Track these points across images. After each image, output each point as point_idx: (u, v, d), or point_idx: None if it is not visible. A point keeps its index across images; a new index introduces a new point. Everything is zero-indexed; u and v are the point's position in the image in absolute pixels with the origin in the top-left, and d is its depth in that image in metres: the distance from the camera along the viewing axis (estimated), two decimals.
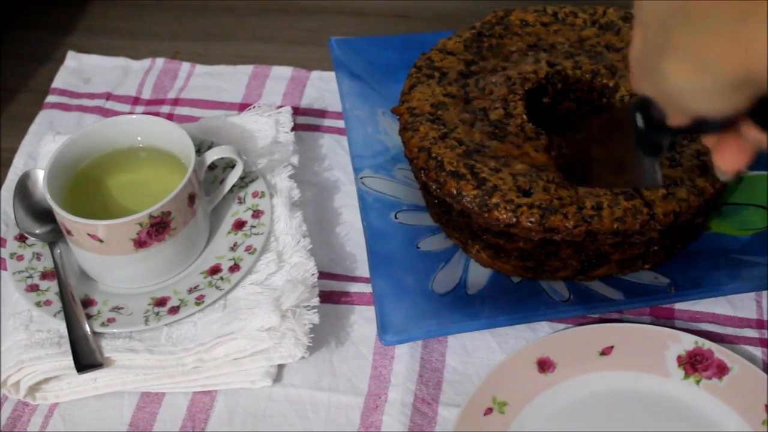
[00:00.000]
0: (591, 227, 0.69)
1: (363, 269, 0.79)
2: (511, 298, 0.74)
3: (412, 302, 0.73)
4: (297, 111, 0.91)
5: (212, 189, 0.78)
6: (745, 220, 0.78)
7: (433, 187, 0.74)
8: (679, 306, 0.75)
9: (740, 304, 0.75)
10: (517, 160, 0.74)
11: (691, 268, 0.75)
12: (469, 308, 0.73)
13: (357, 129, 0.85)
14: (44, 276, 0.74)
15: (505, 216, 0.70)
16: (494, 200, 0.70)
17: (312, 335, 0.71)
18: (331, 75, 0.93)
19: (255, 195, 0.79)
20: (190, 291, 0.73)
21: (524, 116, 0.76)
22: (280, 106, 0.87)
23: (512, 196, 0.70)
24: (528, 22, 0.85)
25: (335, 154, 0.87)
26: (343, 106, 0.87)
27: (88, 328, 0.70)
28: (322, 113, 0.91)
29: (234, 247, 0.76)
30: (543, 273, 0.74)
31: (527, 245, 0.72)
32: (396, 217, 0.79)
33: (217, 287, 0.73)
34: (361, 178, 0.81)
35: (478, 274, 0.76)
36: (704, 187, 0.72)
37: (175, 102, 0.93)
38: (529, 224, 0.69)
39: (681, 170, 0.72)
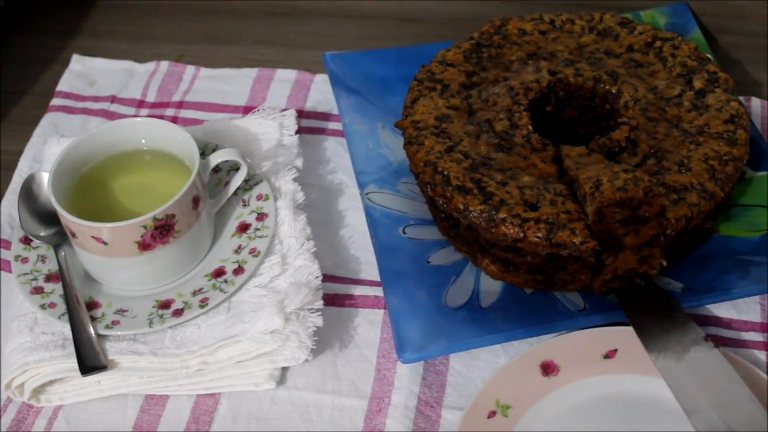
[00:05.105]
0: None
1: (367, 272, 0.79)
2: (526, 310, 0.73)
3: (427, 318, 0.72)
4: (301, 114, 0.91)
5: (216, 192, 0.79)
6: (753, 222, 0.78)
7: (440, 201, 0.73)
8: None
9: (744, 307, 0.75)
10: (524, 172, 0.73)
11: (703, 272, 0.75)
12: (485, 322, 0.72)
13: (358, 144, 0.84)
14: (49, 278, 0.74)
15: (511, 231, 0.70)
16: (501, 215, 0.70)
17: (316, 338, 0.71)
18: None
19: (259, 198, 0.79)
20: (195, 294, 0.73)
21: (530, 127, 0.76)
22: (285, 109, 0.87)
23: (519, 210, 0.70)
24: (526, 30, 0.85)
25: (339, 156, 0.87)
26: (342, 122, 0.87)
27: (92, 331, 0.71)
28: (326, 116, 0.91)
29: (238, 250, 0.76)
30: (553, 286, 0.74)
31: (535, 259, 0.71)
32: (404, 232, 0.78)
33: (221, 290, 0.73)
34: (367, 193, 0.80)
35: (491, 286, 0.75)
36: (714, 192, 0.72)
37: (180, 105, 0.93)
38: (536, 239, 0.69)
39: (691, 175, 0.72)
